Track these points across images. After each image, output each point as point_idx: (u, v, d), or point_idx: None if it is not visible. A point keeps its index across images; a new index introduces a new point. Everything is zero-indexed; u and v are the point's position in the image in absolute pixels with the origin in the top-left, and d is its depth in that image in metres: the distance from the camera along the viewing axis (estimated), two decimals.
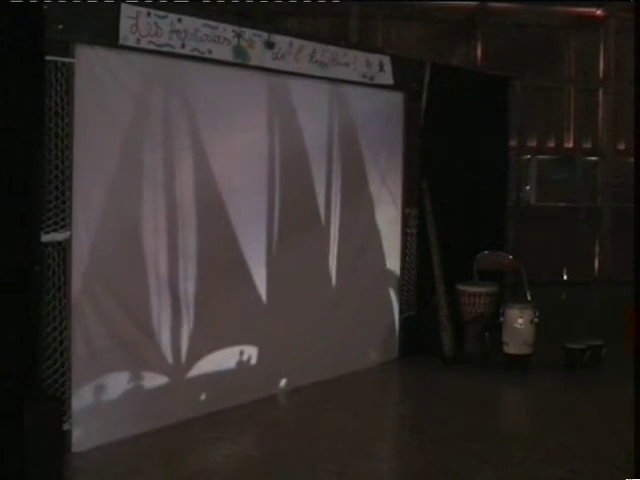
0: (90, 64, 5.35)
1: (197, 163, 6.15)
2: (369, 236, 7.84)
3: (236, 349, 6.51)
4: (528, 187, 14.06)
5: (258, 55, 6.44)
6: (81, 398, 5.39)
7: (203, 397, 6.22)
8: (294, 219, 6.92)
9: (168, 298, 6.00)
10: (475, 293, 8.03)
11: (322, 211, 7.30)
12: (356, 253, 7.60)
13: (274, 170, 6.76)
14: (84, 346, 5.41)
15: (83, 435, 5.39)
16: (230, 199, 6.37)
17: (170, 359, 6.03)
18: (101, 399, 5.54)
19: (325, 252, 7.33)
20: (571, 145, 14.23)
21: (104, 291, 5.55)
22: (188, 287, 6.12)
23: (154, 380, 5.91)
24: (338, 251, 7.43)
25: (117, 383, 5.65)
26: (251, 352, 6.61)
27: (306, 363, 6.98)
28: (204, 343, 6.25)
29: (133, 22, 5.51)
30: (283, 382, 6.89)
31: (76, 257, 5.31)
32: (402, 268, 8.22)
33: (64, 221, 5.21)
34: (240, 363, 6.52)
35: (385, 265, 8.04)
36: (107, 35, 5.41)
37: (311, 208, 7.20)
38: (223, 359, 6.40)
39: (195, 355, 6.20)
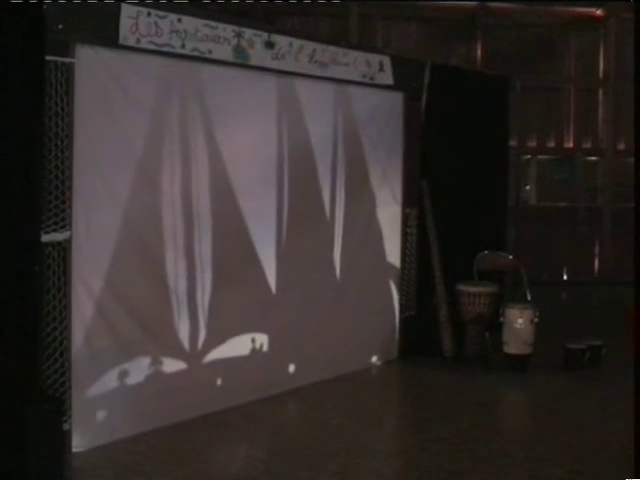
0: (90, 64, 5.35)
1: (197, 162, 6.15)
2: (371, 232, 7.86)
3: (247, 338, 6.58)
4: (528, 187, 14.06)
5: (258, 55, 6.44)
6: (81, 398, 5.39)
7: (217, 385, 6.33)
8: (302, 216, 7.00)
9: (169, 296, 6.00)
10: (475, 293, 8.03)
11: (327, 208, 7.34)
12: (358, 249, 7.64)
13: (283, 169, 6.79)
14: (84, 346, 5.42)
15: (83, 435, 5.39)
16: (239, 197, 6.42)
17: (173, 358, 6.04)
18: (101, 398, 5.54)
19: (330, 247, 7.38)
20: (571, 145, 14.23)
21: (104, 291, 5.55)
22: (191, 284, 6.13)
23: (155, 379, 5.91)
24: (342, 246, 7.47)
25: (117, 383, 5.64)
26: (262, 339, 6.68)
27: (313, 351, 7.07)
28: (208, 340, 6.28)
29: (133, 22, 5.52)
30: (292, 368, 6.94)
31: (76, 257, 5.31)
32: (402, 268, 8.22)
33: (64, 221, 5.21)
34: (253, 350, 6.60)
35: (386, 259, 8.05)
36: (107, 35, 5.42)
37: (317, 205, 7.24)
38: (231, 354, 6.45)
39: (200, 351, 6.23)
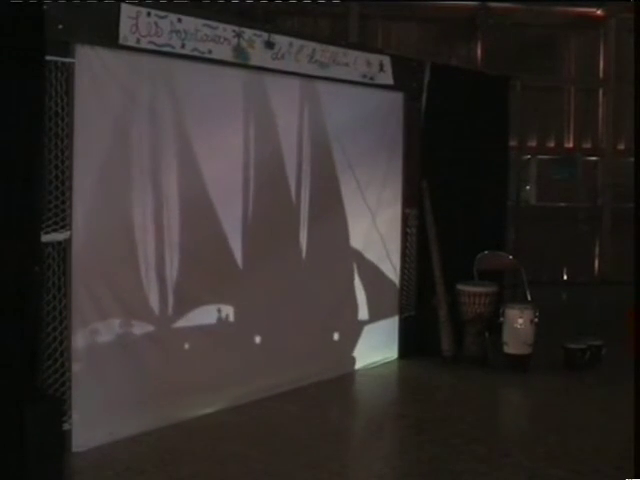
0: (90, 64, 5.35)
1: (195, 163, 6.16)
2: (371, 231, 7.86)
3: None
4: (528, 187, 14.06)
5: (258, 55, 6.44)
6: (81, 398, 5.39)
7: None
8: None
9: (169, 296, 6.00)
10: (475, 293, 8.02)
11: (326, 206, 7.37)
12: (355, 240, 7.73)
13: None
14: (84, 346, 5.42)
15: (83, 435, 5.39)
16: (228, 199, 6.44)
17: (171, 357, 6.04)
18: (101, 399, 5.53)
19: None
20: (571, 145, 14.24)
21: (104, 291, 5.55)
22: (187, 285, 6.13)
23: (156, 379, 5.91)
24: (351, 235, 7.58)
25: (118, 382, 5.64)
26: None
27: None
28: (209, 338, 6.29)
29: (133, 22, 5.52)
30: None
31: (76, 257, 5.31)
32: (402, 268, 8.22)
33: (64, 221, 5.21)
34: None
35: (384, 259, 8.03)
36: (107, 35, 5.41)
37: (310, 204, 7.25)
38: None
39: (194, 354, 6.22)
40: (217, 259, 6.43)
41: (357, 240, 7.69)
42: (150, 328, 5.91)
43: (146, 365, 5.86)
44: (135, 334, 5.80)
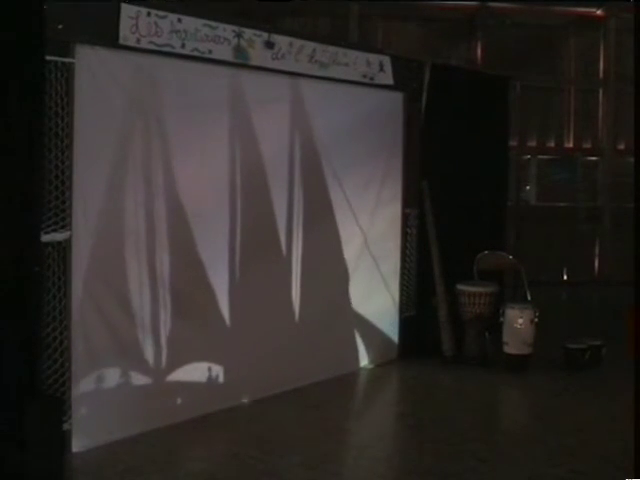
0: (90, 64, 5.35)
1: (195, 163, 6.16)
2: (372, 231, 7.86)
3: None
4: (528, 187, 14.07)
5: (258, 55, 6.45)
6: (81, 398, 5.39)
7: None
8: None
9: (167, 297, 6.00)
10: (475, 293, 8.03)
11: (325, 208, 7.38)
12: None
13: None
14: (84, 346, 5.42)
15: (83, 435, 5.39)
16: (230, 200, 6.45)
17: (173, 356, 6.05)
18: (101, 399, 5.54)
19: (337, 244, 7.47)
20: (571, 145, 14.24)
21: (104, 291, 5.56)
22: (184, 284, 6.12)
23: (156, 378, 5.91)
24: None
25: (117, 382, 5.64)
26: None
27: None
28: (206, 340, 6.29)
29: (133, 22, 5.52)
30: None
31: (76, 257, 5.32)
32: (402, 268, 8.22)
33: (64, 221, 5.21)
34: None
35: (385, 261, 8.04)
36: (107, 35, 5.42)
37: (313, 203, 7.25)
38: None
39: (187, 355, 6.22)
40: (215, 255, 6.42)
41: (356, 240, 7.69)
42: (149, 326, 5.90)
43: (146, 364, 5.87)
44: (135, 333, 5.80)
